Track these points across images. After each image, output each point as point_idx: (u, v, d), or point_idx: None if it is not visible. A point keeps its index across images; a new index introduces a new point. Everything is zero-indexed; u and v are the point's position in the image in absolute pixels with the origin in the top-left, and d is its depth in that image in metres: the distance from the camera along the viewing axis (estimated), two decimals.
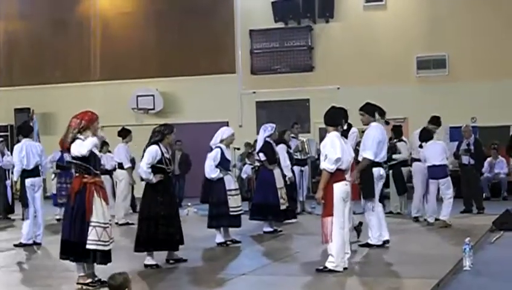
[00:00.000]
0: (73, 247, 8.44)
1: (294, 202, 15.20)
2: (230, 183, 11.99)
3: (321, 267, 9.23)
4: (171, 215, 10.12)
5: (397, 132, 15.99)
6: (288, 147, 15.26)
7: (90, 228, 8.39)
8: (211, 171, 11.82)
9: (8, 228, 15.54)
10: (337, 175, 9.21)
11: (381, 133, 11.17)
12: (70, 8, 25.08)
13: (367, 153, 10.90)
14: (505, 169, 20.19)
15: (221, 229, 12.01)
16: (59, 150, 15.85)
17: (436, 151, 13.99)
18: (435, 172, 13.96)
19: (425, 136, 14.29)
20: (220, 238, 11.96)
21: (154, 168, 10.07)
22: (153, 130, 10.43)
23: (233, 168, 12.01)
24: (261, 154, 13.68)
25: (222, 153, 11.84)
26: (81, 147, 8.42)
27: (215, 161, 11.79)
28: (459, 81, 21.22)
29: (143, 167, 10.06)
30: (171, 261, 10.24)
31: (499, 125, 20.71)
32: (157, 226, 9.92)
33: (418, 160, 14.66)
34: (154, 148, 10.15)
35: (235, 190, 12.08)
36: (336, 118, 9.59)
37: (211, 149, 12.08)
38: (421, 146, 14.48)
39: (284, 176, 13.98)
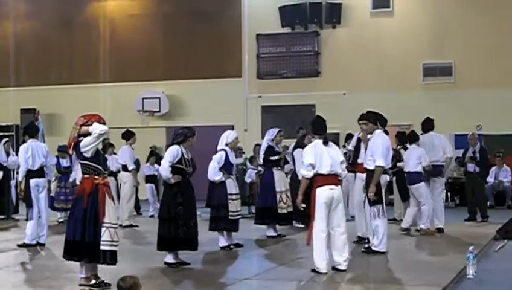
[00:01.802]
0: (85, 248, 8.44)
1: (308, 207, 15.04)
2: (232, 187, 12.01)
3: (312, 268, 9.48)
4: (190, 215, 10.21)
5: (401, 138, 15.93)
6: None
7: (103, 229, 8.42)
8: (214, 173, 11.84)
9: (12, 228, 15.56)
10: (319, 180, 9.50)
11: (387, 140, 11.22)
12: (78, 10, 25.17)
13: (379, 161, 10.90)
14: (508, 177, 20.16)
15: (225, 233, 12.02)
16: (55, 156, 15.96)
17: (412, 157, 13.91)
18: (409, 178, 13.85)
19: (412, 138, 14.18)
20: (223, 242, 11.97)
21: (174, 169, 10.17)
22: (175, 132, 10.56)
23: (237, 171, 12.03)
24: (260, 158, 13.80)
25: (226, 156, 11.87)
26: (97, 128, 8.41)
27: (219, 163, 11.82)
28: (464, 89, 21.23)
29: (164, 165, 10.21)
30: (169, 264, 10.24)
31: (504, 133, 20.71)
32: (177, 227, 10.04)
33: None
34: (175, 148, 10.28)
35: (236, 194, 12.10)
36: (319, 127, 9.91)
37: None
38: (405, 148, 14.52)
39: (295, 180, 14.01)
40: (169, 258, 10.19)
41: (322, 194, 9.44)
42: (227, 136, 12.13)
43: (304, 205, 9.77)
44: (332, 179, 9.58)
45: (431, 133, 14.31)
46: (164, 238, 10.14)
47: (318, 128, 9.93)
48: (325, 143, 9.70)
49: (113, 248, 8.51)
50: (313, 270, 9.42)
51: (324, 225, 9.41)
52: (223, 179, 11.85)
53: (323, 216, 9.42)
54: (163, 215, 10.26)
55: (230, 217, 11.87)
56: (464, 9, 21.61)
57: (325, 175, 9.50)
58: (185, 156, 10.32)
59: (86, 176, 8.59)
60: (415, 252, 11.74)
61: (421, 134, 14.40)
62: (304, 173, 9.58)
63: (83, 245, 8.45)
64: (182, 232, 10.06)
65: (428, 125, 14.42)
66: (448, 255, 11.41)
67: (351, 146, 13.57)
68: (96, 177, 8.54)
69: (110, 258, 8.52)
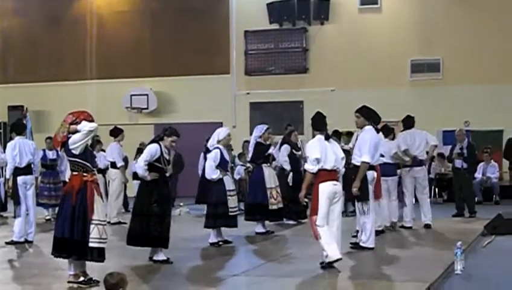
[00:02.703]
0: (74, 245, 8.43)
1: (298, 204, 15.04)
2: (229, 183, 12.02)
3: (322, 263, 9.46)
4: (164, 214, 10.16)
5: (387, 132, 15.75)
6: (294, 148, 15.20)
7: (92, 226, 8.41)
8: (211, 172, 11.80)
9: None
10: (322, 175, 9.49)
11: (375, 136, 11.25)
12: (65, 6, 25.07)
13: (364, 157, 10.92)
14: (496, 173, 20.24)
15: (215, 229, 12.01)
16: (42, 149, 15.88)
17: (387, 150, 13.90)
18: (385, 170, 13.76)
19: (386, 132, 14.10)
20: (213, 238, 11.96)
21: (152, 167, 10.14)
22: (163, 130, 10.53)
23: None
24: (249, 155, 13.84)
25: (221, 154, 11.84)
26: (86, 125, 8.39)
27: (216, 161, 11.78)
28: (452, 85, 21.29)
29: (140, 163, 10.20)
30: (154, 261, 10.23)
31: (491, 129, 20.80)
32: (149, 223, 10.02)
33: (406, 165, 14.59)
34: (154, 147, 10.24)
35: (233, 190, 12.13)
36: (319, 123, 9.88)
37: (207, 150, 12.09)
38: None
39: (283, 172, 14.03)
40: (159, 255, 10.18)
41: (326, 189, 9.45)
42: (218, 133, 12.11)
43: (306, 200, 9.80)
44: (334, 174, 9.64)
45: (413, 130, 14.36)
46: (134, 233, 10.16)
47: (318, 124, 9.91)
48: (327, 139, 9.70)
49: (102, 245, 8.51)
50: (324, 265, 9.39)
51: (326, 220, 9.43)
52: (220, 176, 11.83)
53: (326, 211, 9.43)
54: (135, 210, 10.28)
55: (230, 214, 11.86)
56: (451, 5, 21.65)
57: (329, 170, 9.52)
58: (165, 155, 10.27)
59: (75, 173, 8.58)
60: (403, 248, 11.77)
61: (402, 130, 14.49)
62: (310, 167, 9.51)
63: (72, 242, 8.44)
64: (155, 230, 10.03)
65: (409, 122, 14.51)
66: (436, 250, 11.45)
67: (351, 144, 13.46)
68: (84, 174, 8.52)
69: (98, 255, 8.51)
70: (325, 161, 9.48)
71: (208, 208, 12.16)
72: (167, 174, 10.37)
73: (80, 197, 8.45)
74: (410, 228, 13.92)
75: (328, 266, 9.40)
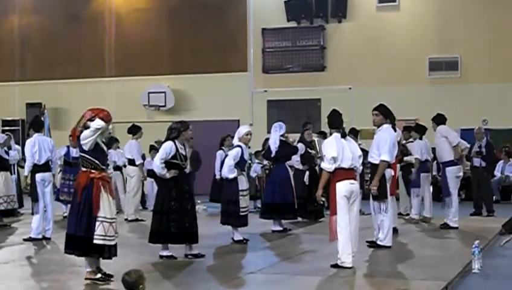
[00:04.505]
0: (79, 242, 8.48)
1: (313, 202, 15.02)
2: (243, 183, 11.96)
3: (333, 263, 9.43)
4: (185, 210, 10.22)
5: (422, 130, 15.68)
6: (309, 147, 15.20)
7: (97, 223, 8.43)
8: (229, 171, 11.75)
9: (17, 222, 15.53)
10: (339, 174, 9.43)
11: (393, 134, 11.22)
12: (84, 4, 25.18)
13: (384, 156, 10.88)
14: None
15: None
16: (66, 146, 15.94)
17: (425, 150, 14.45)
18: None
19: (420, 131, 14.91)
20: (238, 236, 11.96)
21: (169, 164, 10.17)
22: (169, 127, 10.52)
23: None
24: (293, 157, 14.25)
25: (242, 153, 11.81)
26: (95, 123, 8.42)
27: (236, 160, 11.74)
28: (471, 83, 21.20)
29: (156, 162, 10.26)
30: (189, 256, 10.33)
31: (510, 128, 20.67)
32: (169, 221, 10.08)
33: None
34: (169, 144, 10.27)
35: (246, 190, 12.09)
36: (336, 121, 9.81)
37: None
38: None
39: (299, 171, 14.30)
40: (163, 251, 10.28)
41: (343, 187, 9.39)
42: (239, 132, 12.11)
43: (323, 199, 9.75)
44: (352, 173, 9.57)
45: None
46: (154, 231, 10.23)
47: (334, 121, 9.83)
48: (343, 137, 9.65)
49: (107, 243, 8.49)
50: (335, 266, 9.37)
51: (348, 218, 9.37)
52: (236, 175, 11.81)
53: (346, 210, 9.38)
54: (155, 209, 10.36)
55: (241, 213, 11.86)
56: (469, 3, 21.54)
57: (346, 169, 9.46)
58: (180, 151, 10.30)
59: (84, 169, 8.64)
60: (420, 246, 11.72)
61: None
62: (327, 166, 9.43)
63: (75, 238, 8.51)
64: (174, 227, 10.09)
65: (441, 119, 14.26)
66: (454, 249, 11.43)
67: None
68: (92, 171, 8.56)
69: (107, 252, 8.53)
70: (342, 160, 9.42)
71: (221, 205, 12.18)
72: (186, 171, 10.40)
73: (85, 194, 8.49)
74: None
75: (337, 266, 9.37)
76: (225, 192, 11.97)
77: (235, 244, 11.85)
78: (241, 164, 11.85)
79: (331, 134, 9.90)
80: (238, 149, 11.80)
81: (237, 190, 11.79)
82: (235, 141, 12.02)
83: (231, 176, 11.75)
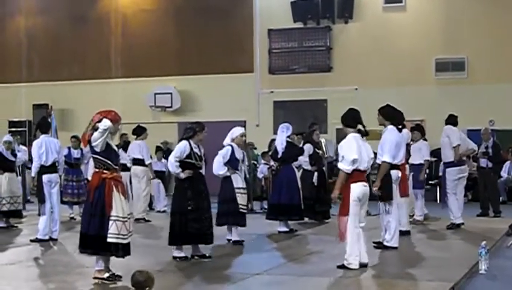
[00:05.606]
0: (92, 240, 8.54)
1: (322, 203, 15.01)
2: (238, 181, 11.95)
3: (340, 264, 9.41)
4: (201, 209, 10.27)
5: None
6: (316, 147, 15.20)
7: (110, 222, 8.49)
8: (218, 167, 11.87)
9: (23, 223, 15.53)
10: (355, 176, 9.32)
11: (397, 135, 11.17)
12: (90, 5, 25.23)
13: (386, 157, 10.87)
14: None
15: (232, 229, 12.00)
16: (67, 147, 15.96)
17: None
18: None
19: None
20: (236, 237, 11.96)
21: (184, 164, 10.24)
22: (186, 127, 10.68)
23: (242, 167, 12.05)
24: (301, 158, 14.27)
25: (232, 152, 11.87)
26: (102, 124, 8.47)
27: (224, 158, 11.83)
28: (477, 84, 21.17)
29: (171, 160, 10.37)
30: (195, 257, 10.34)
31: None
32: (187, 221, 10.14)
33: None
34: (183, 143, 10.38)
35: (243, 188, 12.07)
36: (354, 120, 9.63)
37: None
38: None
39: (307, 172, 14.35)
40: (177, 252, 10.30)
41: (357, 189, 9.31)
42: (232, 132, 12.16)
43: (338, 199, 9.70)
44: (364, 175, 9.50)
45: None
46: (174, 233, 10.26)
47: (350, 120, 9.63)
48: (363, 136, 9.51)
49: (120, 241, 8.54)
50: (341, 266, 9.36)
51: (358, 220, 9.35)
52: (227, 173, 11.84)
53: (357, 212, 9.34)
54: (173, 210, 10.42)
55: (240, 211, 11.86)
56: (476, 4, 21.52)
57: (361, 171, 9.38)
58: (195, 150, 10.38)
59: (96, 170, 8.75)
60: (427, 247, 11.70)
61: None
62: (346, 167, 9.24)
63: (88, 237, 8.58)
64: (192, 228, 10.14)
65: (454, 120, 14.27)
66: (460, 250, 11.40)
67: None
68: (105, 171, 8.64)
69: (121, 250, 8.57)
70: (360, 162, 9.31)
71: (218, 206, 12.16)
72: (201, 171, 10.44)
73: (98, 194, 8.56)
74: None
75: (344, 267, 9.36)
76: (221, 192, 12.04)
77: (235, 245, 11.82)
78: (232, 163, 11.89)
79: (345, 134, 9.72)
80: (228, 148, 11.90)
81: (232, 187, 11.83)
82: (227, 141, 12.06)
83: (220, 172, 11.84)
